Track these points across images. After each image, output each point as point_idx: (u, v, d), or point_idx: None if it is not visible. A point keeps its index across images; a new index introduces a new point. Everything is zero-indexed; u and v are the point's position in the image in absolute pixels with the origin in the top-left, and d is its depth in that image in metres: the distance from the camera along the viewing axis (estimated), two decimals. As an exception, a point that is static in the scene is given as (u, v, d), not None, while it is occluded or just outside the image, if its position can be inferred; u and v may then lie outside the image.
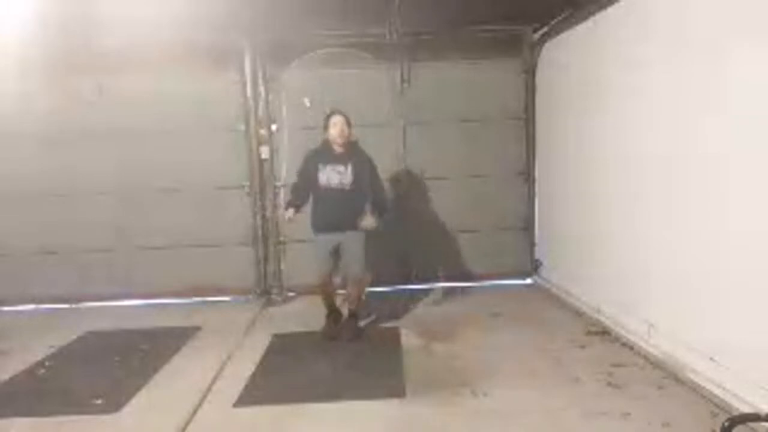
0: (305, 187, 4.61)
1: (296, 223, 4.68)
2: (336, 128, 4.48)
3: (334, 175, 4.48)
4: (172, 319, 5.48)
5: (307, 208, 4.66)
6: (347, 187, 4.48)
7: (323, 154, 4.57)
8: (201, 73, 5.94)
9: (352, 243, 4.53)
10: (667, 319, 3.83)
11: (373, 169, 4.61)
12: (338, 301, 4.90)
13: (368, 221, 4.45)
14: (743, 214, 3.08)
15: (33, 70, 5.61)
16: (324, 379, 3.92)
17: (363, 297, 4.86)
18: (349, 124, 4.54)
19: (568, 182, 5.49)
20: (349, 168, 4.48)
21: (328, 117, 4.55)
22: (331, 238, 4.54)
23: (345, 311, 4.84)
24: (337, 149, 4.52)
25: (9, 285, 6.04)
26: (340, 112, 4.54)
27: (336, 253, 4.58)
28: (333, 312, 4.82)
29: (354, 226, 4.48)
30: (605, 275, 4.74)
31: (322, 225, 4.56)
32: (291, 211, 4.57)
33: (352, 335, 4.68)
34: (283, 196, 6.00)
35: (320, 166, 4.51)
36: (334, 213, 4.48)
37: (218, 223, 6.12)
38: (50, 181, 5.99)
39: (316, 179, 4.51)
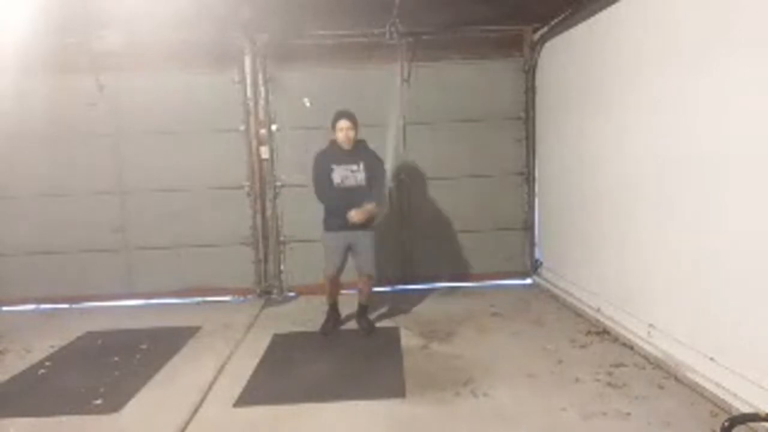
0: (329, 182, 4.55)
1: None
2: (342, 133, 4.50)
3: (348, 174, 4.51)
4: (172, 319, 5.48)
5: (310, 203, 4.71)
6: (362, 185, 4.52)
7: (334, 154, 4.57)
8: (201, 73, 5.93)
9: (365, 242, 4.59)
10: (667, 319, 3.83)
11: (382, 164, 4.68)
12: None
13: (358, 213, 4.41)
14: (742, 214, 3.08)
15: (33, 69, 5.60)
16: (324, 379, 3.93)
17: (372, 290, 4.95)
18: (355, 126, 4.54)
19: (568, 182, 5.49)
20: (362, 165, 4.53)
21: (335, 119, 4.54)
22: (343, 237, 4.57)
23: (349, 308, 4.95)
24: (347, 149, 4.54)
25: (9, 285, 6.05)
26: (348, 116, 4.52)
27: (347, 251, 4.63)
28: (335, 311, 4.91)
29: (365, 227, 4.54)
30: (605, 275, 4.74)
31: (335, 224, 4.56)
32: (353, 210, 4.41)
33: (369, 328, 4.82)
34: (279, 203, 6.01)
35: (333, 167, 4.53)
36: (346, 213, 4.44)
37: (218, 223, 6.11)
38: (50, 181, 5.99)
39: (330, 180, 4.52)
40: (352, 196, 4.49)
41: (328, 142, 4.67)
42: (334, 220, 4.57)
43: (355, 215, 4.41)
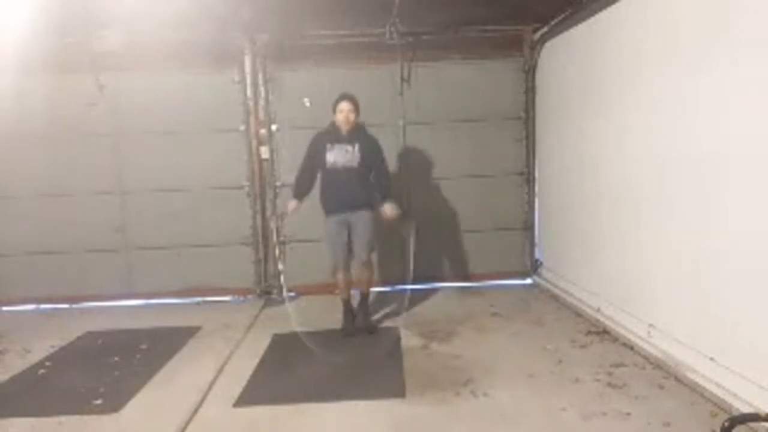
0: (311, 171, 4.65)
1: (296, 216, 4.74)
2: (342, 115, 4.54)
3: (341, 155, 4.53)
4: (172, 319, 5.48)
5: (310, 200, 4.72)
6: (355, 166, 4.53)
7: (330, 135, 4.60)
8: (201, 73, 5.93)
9: (362, 223, 4.60)
10: (667, 319, 3.83)
11: (379, 151, 4.68)
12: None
13: (390, 209, 4.56)
14: (742, 214, 3.08)
15: (33, 69, 5.60)
16: (324, 378, 3.92)
17: (372, 280, 4.98)
18: (356, 109, 4.58)
19: (568, 182, 5.49)
20: (356, 147, 4.54)
21: (337, 101, 4.58)
22: (342, 218, 4.59)
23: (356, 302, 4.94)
24: (345, 131, 4.57)
25: (9, 285, 6.05)
26: (349, 98, 4.57)
27: (348, 235, 4.64)
28: (349, 309, 4.89)
29: (363, 206, 4.58)
30: (605, 275, 4.74)
31: (332, 205, 4.60)
32: (294, 202, 4.66)
33: (370, 327, 4.85)
34: (279, 203, 6.05)
35: (328, 147, 4.56)
36: (343, 192, 4.52)
37: (218, 223, 6.11)
38: (50, 181, 5.99)
39: (323, 160, 4.55)
40: (343, 176, 4.53)
41: (329, 123, 4.70)
42: (330, 201, 4.61)
43: (389, 210, 4.57)
